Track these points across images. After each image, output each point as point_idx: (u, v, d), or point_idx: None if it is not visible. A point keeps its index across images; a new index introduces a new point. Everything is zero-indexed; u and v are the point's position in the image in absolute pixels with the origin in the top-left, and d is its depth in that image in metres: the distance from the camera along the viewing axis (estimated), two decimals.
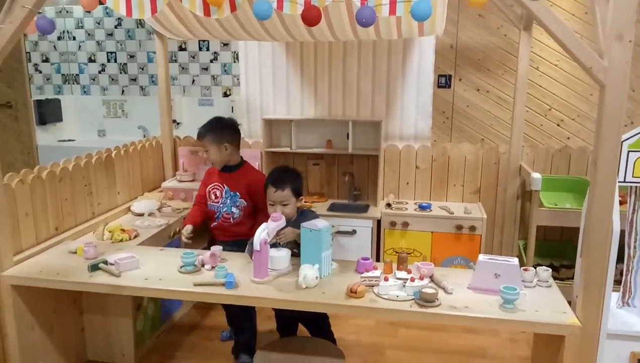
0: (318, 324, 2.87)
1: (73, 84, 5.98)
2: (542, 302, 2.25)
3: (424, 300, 2.20)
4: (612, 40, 1.90)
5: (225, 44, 5.47)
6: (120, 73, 5.83)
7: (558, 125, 4.71)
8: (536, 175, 3.50)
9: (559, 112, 4.68)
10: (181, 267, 2.57)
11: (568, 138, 4.69)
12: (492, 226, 4.16)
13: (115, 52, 5.79)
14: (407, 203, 4.13)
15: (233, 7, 2.30)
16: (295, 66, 4.28)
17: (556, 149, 4.08)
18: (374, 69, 4.17)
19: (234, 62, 5.47)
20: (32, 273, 2.57)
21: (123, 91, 5.88)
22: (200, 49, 5.54)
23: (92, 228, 3.27)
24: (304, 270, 2.36)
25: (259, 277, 2.42)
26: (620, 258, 2.29)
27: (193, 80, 5.63)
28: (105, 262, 2.59)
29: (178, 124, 5.52)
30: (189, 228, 3.08)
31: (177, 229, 3.54)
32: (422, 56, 4.11)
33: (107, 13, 5.69)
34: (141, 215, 3.55)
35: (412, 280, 2.31)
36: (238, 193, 3.14)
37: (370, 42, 4.10)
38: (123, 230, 3.17)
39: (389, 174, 4.25)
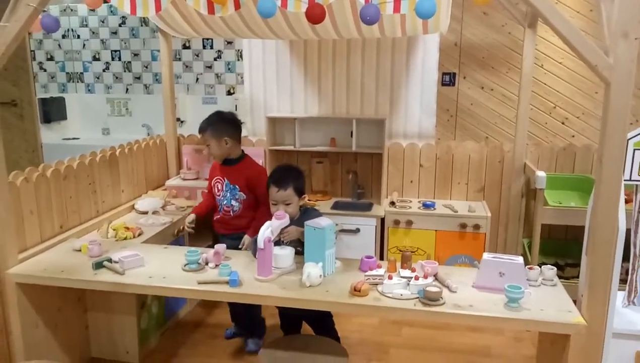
0: (322, 322, 2.87)
1: (77, 82, 5.99)
2: (547, 300, 2.24)
3: (428, 298, 2.19)
4: (618, 38, 1.89)
5: (229, 42, 5.47)
6: (125, 71, 5.84)
7: (563, 123, 4.69)
8: (541, 174, 3.49)
9: (563, 110, 4.66)
10: (185, 265, 2.57)
11: (573, 136, 4.67)
12: (496, 224, 4.15)
13: (119, 51, 5.79)
14: (411, 201, 4.12)
15: (237, 5, 2.30)
16: (299, 64, 4.28)
17: (561, 147, 4.06)
18: (378, 67, 4.16)
19: (238, 60, 5.47)
20: (36, 271, 2.58)
21: (127, 89, 5.89)
22: (204, 47, 5.54)
23: (97, 226, 3.28)
24: (307, 268, 2.35)
25: (262, 275, 2.42)
26: (625, 257, 2.28)
27: (197, 79, 5.63)
28: (110, 260, 2.60)
29: (182, 122, 5.53)
30: (191, 217, 3.19)
31: (181, 227, 3.55)
32: (426, 54, 4.09)
33: (111, 11, 5.70)
34: (145, 213, 3.55)
35: (416, 278, 2.31)
36: (237, 187, 3.16)
37: (374, 40, 4.09)
38: (127, 228, 3.17)
39: (392, 172, 4.24)
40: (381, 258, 3.90)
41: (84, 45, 5.86)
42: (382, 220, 3.90)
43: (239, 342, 3.35)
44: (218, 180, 3.22)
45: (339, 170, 4.37)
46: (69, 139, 5.90)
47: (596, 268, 2.08)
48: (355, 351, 3.22)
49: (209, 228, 3.43)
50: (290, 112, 4.36)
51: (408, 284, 2.30)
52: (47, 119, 5.74)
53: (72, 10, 5.80)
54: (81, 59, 5.92)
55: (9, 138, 5.54)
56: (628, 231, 2.32)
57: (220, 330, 3.48)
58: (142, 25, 5.67)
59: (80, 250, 2.79)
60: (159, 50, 4.58)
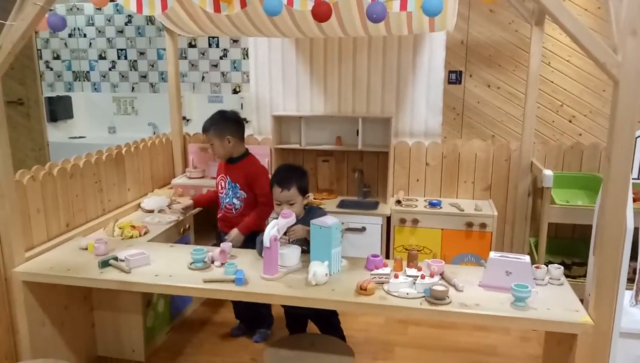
0: (328, 321, 2.87)
1: (84, 81, 6.01)
2: (554, 300, 2.23)
3: (435, 297, 2.19)
4: (626, 35, 1.88)
5: (235, 41, 5.47)
6: (131, 70, 5.85)
7: (570, 121, 4.67)
8: (548, 172, 3.47)
9: (571, 108, 4.64)
10: (191, 264, 2.57)
11: (580, 134, 4.65)
12: (502, 223, 4.13)
13: (125, 49, 5.81)
14: (417, 200, 4.11)
15: (243, 4, 2.30)
16: (305, 62, 4.27)
17: (568, 146, 4.04)
18: (384, 65, 4.15)
19: (244, 58, 5.47)
20: (43, 270, 2.58)
21: (133, 88, 5.90)
22: (209, 45, 5.55)
23: (103, 225, 3.28)
24: (313, 267, 2.35)
25: (268, 273, 2.42)
26: (633, 256, 2.26)
27: (203, 77, 5.64)
28: (116, 259, 2.60)
29: (188, 120, 5.54)
30: (189, 202, 3.42)
31: (187, 226, 3.56)
32: (432, 52, 4.08)
33: (117, 10, 5.71)
34: (151, 211, 3.56)
35: (423, 277, 2.30)
36: (238, 185, 3.18)
37: (381, 38, 4.08)
38: (133, 227, 3.18)
39: (398, 170, 4.23)
40: (387, 257, 3.89)
41: (90, 44, 5.88)
42: (388, 218, 3.90)
43: (244, 340, 3.35)
44: (222, 178, 3.26)
45: (345, 169, 4.36)
46: (75, 137, 5.93)
47: (603, 267, 2.07)
48: (361, 350, 3.21)
49: (214, 226, 3.43)
50: (296, 110, 4.36)
51: (414, 283, 2.29)
52: (54, 117, 5.77)
53: (78, 9, 5.82)
54: (87, 58, 5.94)
55: (16, 137, 5.55)
56: (636, 230, 2.30)
57: (226, 328, 3.48)
58: (148, 24, 5.68)
59: (86, 249, 2.80)
60: (164, 49, 4.58)
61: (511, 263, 2.29)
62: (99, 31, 5.82)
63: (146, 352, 3.13)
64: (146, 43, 5.74)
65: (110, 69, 5.90)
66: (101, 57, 5.89)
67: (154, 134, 5.41)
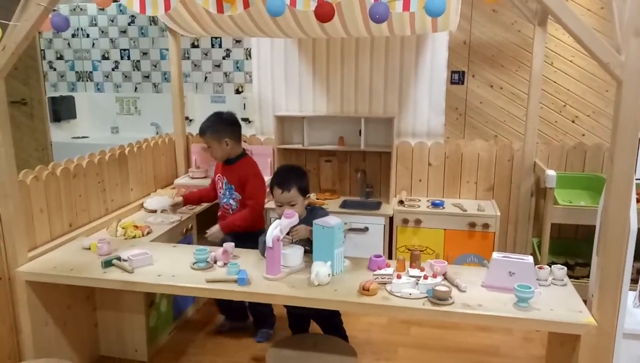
0: (330, 321, 2.87)
1: (87, 81, 6.02)
2: (557, 300, 2.23)
3: (437, 298, 2.18)
4: (630, 36, 1.87)
5: (238, 41, 5.47)
6: (134, 70, 5.85)
7: (573, 121, 4.66)
8: (551, 173, 3.46)
9: (573, 109, 4.63)
10: (194, 264, 2.58)
11: (583, 135, 4.64)
12: (505, 224, 4.13)
13: (128, 50, 5.81)
14: (419, 200, 4.11)
15: (246, 4, 2.30)
16: (308, 63, 4.27)
17: (571, 146, 4.03)
18: (387, 66, 4.15)
19: (247, 58, 5.47)
20: (46, 269, 2.59)
21: (136, 88, 5.90)
22: (212, 45, 5.54)
23: (106, 225, 3.29)
24: (316, 267, 2.35)
25: (271, 273, 2.42)
26: (637, 257, 2.26)
27: (205, 77, 5.64)
28: (119, 258, 2.61)
29: (190, 120, 5.54)
30: (178, 199, 3.44)
31: (190, 226, 3.56)
32: (435, 52, 4.08)
33: (120, 10, 5.71)
34: (154, 211, 3.56)
35: (425, 277, 2.30)
36: (233, 186, 3.20)
37: (383, 39, 4.08)
38: (136, 227, 3.19)
39: (401, 170, 4.23)
40: (390, 257, 3.89)
41: (94, 44, 5.88)
42: (391, 219, 3.89)
43: (247, 340, 3.35)
44: (219, 178, 3.28)
45: (348, 169, 4.37)
46: (78, 137, 5.93)
47: (607, 268, 2.07)
48: (364, 350, 3.21)
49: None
50: (298, 110, 4.36)
51: (417, 283, 2.29)
52: (57, 117, 5.77)
53: (81, 9, 5.82)
54: (90, 58, 5.94)
55: (19, 137, 5.57)
56: (639, 230, 2.29)
57: None
58: (151, 24, 5.69)
59: (89, 249, 2.80)
60: (167, 49, 4.59)
61: (514, 263, 2.29)
62: (102, 31, 5.82)
63: (149, 352, 3.14)
64: (149, 43, 5.74)
65: (113, 69, 5.90)
66: (104, 57, 5.89)
67: (157, 134, 5.41)
